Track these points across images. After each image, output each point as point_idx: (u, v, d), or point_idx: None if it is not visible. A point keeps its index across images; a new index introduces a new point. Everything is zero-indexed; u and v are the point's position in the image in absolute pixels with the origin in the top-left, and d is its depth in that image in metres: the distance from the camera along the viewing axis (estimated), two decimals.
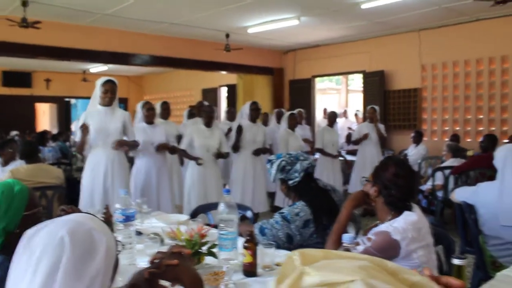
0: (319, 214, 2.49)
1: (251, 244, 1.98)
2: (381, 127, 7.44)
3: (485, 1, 5.74)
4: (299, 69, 11.35)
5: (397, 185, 2.08)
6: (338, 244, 2.11)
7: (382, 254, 1.95)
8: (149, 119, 5.16)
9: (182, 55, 9.72)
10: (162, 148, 5.10)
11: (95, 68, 13.30)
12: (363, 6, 6.92)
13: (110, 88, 4.29)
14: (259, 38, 9.55)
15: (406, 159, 7.89)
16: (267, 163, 2.67)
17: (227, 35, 9.05)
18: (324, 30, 8.88)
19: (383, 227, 2.05)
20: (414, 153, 7.95)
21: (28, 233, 1.09)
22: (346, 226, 2.22)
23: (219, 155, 5.32)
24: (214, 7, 7.15)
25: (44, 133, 9.35)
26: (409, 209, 2.12)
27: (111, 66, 12.48)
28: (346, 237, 1.54)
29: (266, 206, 6.05)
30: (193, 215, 3.18)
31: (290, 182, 2.57)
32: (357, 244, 2.02)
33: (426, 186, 6.27)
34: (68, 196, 4.55)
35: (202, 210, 3.27)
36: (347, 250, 1.54)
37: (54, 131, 13.40)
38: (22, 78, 13.91)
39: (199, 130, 5.37)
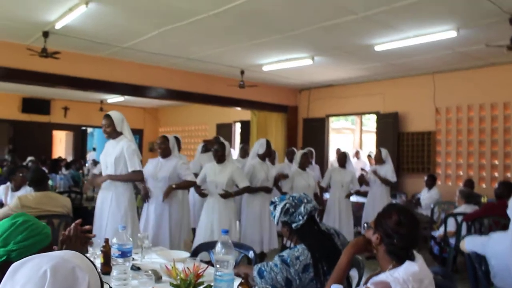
0: (318, 259, 2.43)
1: (245, 287, 1.93)
2: (388, 169, 7.34)
3: (498, 47, 5.74)
4: (314, 107, 11.39)
5: (400, 234, 2.02)
6: None
7: None
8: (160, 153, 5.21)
9: (197, 90, 9.85)
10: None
11: (112, 98, 13.53)
12: (377, 48, 6.97)
13: (105, 122, 4.44)
14: (274, 76, 9.64)
15: (419, 202, 7.80)
16: (270, 205, 2.63)
17: (242, 72, 9.16)
18: (338, 70, 8.95)
19: (383, 277, 1.99)
20: (427, 197, 7.82)
21: (15, 265, 1.12)
22: (346, 272, 2.16)
23: (225, 195, 5.21)
24: (229, 44, 7.27)
25: (58, 160, 9.43)
26: (412, 258, 2.06)
27: (127, 97, 12.67)
28: None
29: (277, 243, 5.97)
30: (195, 252, 3.14)
31: (294, 225, 2.53)
32: None
33: (439, 232, 6.13)
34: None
35: (204, 247, 3.23)
36: None
37: (69, 158, 13.54)
38: (41, 105, 14.19)
39: (211, 166, 5.40)
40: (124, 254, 2.08)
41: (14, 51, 7.44)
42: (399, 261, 2.04)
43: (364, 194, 7.93)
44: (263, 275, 2.37)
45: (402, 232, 2.02)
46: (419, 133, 9.26)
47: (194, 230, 5.88)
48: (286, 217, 2.53)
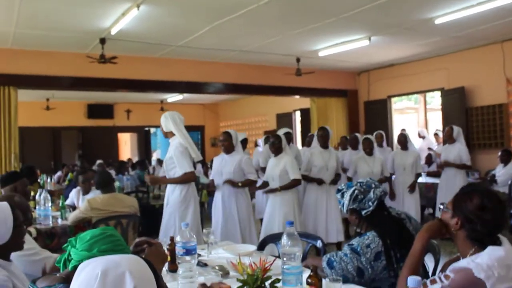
0: (390, 245, 2.30)
1: (315, 280, 1.85)
2: (462, 150, 6.92)
3: None
4: (374, 89, 11.04)
5: (484, 219, 1.83)
6: None
7: None
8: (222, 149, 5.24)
9: (253, 82, 9.82)
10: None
11: (172, 97, 13.80)
12: (437, 21, 6.60)
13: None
14: (331, 61, 9.42)
15: (494, 179, 7.37)
16: (337, 193, 2.52)
17: (298, 60, 9.02)
18: (397, 48, 8.60)
19: (463, 263, 1.81)
20: (503, 173, 7.37)
21: (82, 265, 1.22)
22: (421, 259, 2.00)
23: (271, 190, 5.19)
24: (282, 32, 7.15)
25: (123, 162, 9.74)
26: (497, 243, 1.87)
27: (186, 95, 12.88)
28: (412, 281, 1.36)
29: (341, 235, 5.81)
30: (261, 245, 3.08)
31: (363, 212, 2.41)
32: (433, 282, 1.81)
33: None
34: (145, 224, 4.63)
35: (270, 240, 3.17)
36: None
37: (135, 159, 13.98)
38: (104, 110, 14.74)
39: (270, 160, 5.43)
40: (189, 252, 2.06)
41: (76, 60, 7.75)
42: (481, 246, 1.86)
43: (435, 174, 7.58)
44: (333, 266, 2.28)
45: (487, 218, 1.83)
46: (489, 106, 8.72)
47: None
48: (355, 204, 2.42)
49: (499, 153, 7.54)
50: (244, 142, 6.43)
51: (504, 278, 1.73)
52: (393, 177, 7.02)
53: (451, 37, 7.85)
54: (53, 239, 4.36)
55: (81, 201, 5.27)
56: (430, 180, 7.90)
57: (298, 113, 13.39)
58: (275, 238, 3.21)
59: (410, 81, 10.18)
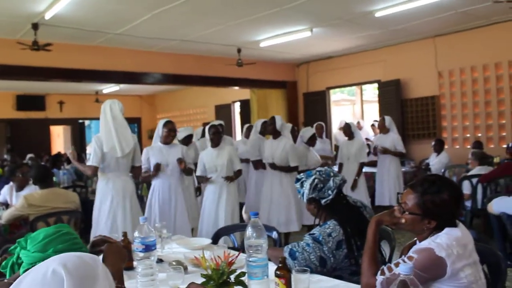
0: (351, 234, 2.30)
1: (284, 272, 1.80)
2: (395, 138, 7.17)
3: (504, 2, 5.55)
4: (313, 81, 11.20)
5: (447, 211, 1.90)
6: (374, 269, 1.92)
7: (427, 274, 1.78)
8: (169, 140, 4.98)
9: (193, 72, 9.65)
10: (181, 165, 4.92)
11: (108, 88, 13.31)
12: (377, 14, 6.76)
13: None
14: (272, 52, 9.43)
15: (428, 168, 7.69)
16: (296, 183, 2.49)
17: (239, 50, 8.95)
18: (337, 40, 8.74)
19: (425, 243, 1.86)
20: (436, 162, 7.71)
21: (18, 279, 0.98)
22: (376, 245, 2.03)
23: (228, 178, 5.11)
24: (224, 22, 7.05)
25: (58, 155, 9.28)
26: (453, 225, 1.94)
27: (123, 86, 12.48)
28: (403, 268, 1.35)
29: (296, 225, 5.81)
30: (215, 238, 3.01)
31: (323, 201, 2.39)
32: (398, 264, 1.83)
33: None
34: (84, 220, 4.40)
35: (224, 232, 3.10)
36: (405, 283, 1.34)
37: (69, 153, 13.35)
38: (35, 102, 13.98)
39: (207, 152, 5.27)
40: (148, 248, 1.95)
41: (4, 47, 7.22)
42: (438, 228, 1.92)
43: (372, 164, 7.80)
44: (296, 256, 2.24)
45: (452, 206, 1.90)
46: (422, 98, 9.10)
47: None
48: (315, 193, 2.39)
49: (433, 143, 7.87)
50: (189, 138, 6.25)
51: (462, 256, 1.81)
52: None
53: (388, 31, 8.09)
54: None
55: (14, 198, 4.94)
56: (368, 169, 8.11)
57: (237, 105, 13.34)
58: (229, 230, 3.15)
59: (348, 73, 10.40)
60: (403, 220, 1.94)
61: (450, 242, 1.82)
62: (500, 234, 3.38)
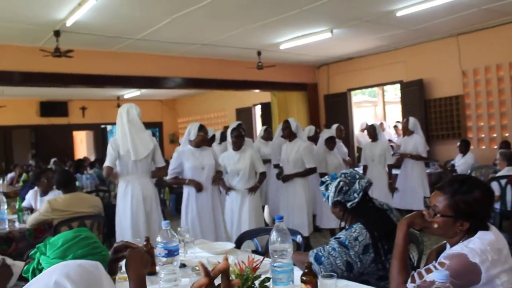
0: (378, 237, 2.23)
1: (311, 277, 1.75)
2: (418, 141, 6.99)
3: None
4: (334, 83, 11.10)
5: (481, 210, 1.83)
6: (405, 274, 1.85)
7: (460, 281, 1.70)
8: (202, 143, 4.88)
9: (214, 76, 9.65)
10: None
11: (129, 93, 13.43)
12: (398, 14, 6.65)
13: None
14: (291, 54, 9.38)
15: (454, 169, 7.53)
16: (321, 186, 2.43)
17: (259, 53, 8.92)
18: (357, 41, 8.64)
19: (457, 248, 1.78)
20: (461, 163, 7.55)
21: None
22: (406, 248, 1.95)
23: (252, 189, 5.12)
24: (244, 25, 7.02)
25: (81, 160, 9.38)
26: (486, 228, 1.86)
27: (144, 91, 12.57)
28: (439, 275, 1.28)
29: (308, 229, 5.74)
30: (238, 242, 2.97)
31: (349, 204, 2.33)
32: (429, 271, 1.76)
33: None
34: (107, 224, 4.41)
35: (248, 236, 3.05)
36: None
37: (92, 158, 13.53)
38: (58, 108, 14.21)
39: (228, 155, 5.23)
40: (171, 253, 1.91)
41: (28, 54, 7.34)
42: (471, 232, 1.84)
43: (395, 166, 7.66)
44: (321, 261, 2.18)
45: (485, 208, 1.83)
46: (446, 98, 8.91)
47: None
48: (340, 196, 2.33)
49: (458, 144, 7.71)
50: (212, 139, 6.26)
51: (497, 261, 1.73)
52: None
53: (410, 30, 7.96)
54: (10, 245, 4.09)
55: (39, 203, 4.99)
56: (394, 171, 7.97)
57: (258, 108, 13.32)
58: (252, 234, 3.11)
59: (369, 74, 10.28)
60: (435, 225, 1.86)
61: (484, 247, 1.74)
62: None
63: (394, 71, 9.73)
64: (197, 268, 2.24)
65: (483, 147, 8.51)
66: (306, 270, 1.77)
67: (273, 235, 1.86)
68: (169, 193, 9.48)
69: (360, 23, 7.24)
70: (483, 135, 8.53)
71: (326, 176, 2.45)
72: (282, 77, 10.56)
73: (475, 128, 8.62)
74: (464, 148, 7.60)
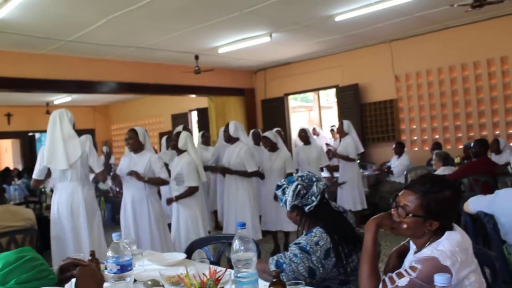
0: (338, 241, 2.18)
1: (279, 287, 1.65)
2: (348, 142, 7.15)
3: (462, 6, 5.65)
4: (271, 88, 11.14)
5: (451, 210, 1.81)
6: (376, 279, 1.79)
7: (431, 286, 1.65)
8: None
9: (149, 80, 9.36)
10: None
11: (59, 99, 12.78)
12: (337, 19, 6.75)
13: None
14: (230, 58, 9.29)
15: (390, 171, 7.75)
16: (277, 190, 2.34)
17: (197, 57, 8.75)
18: (296, 46, 8.70)
19: (427, 252, 1.75)
20: (397, 164, 7.80)
21: None
22: (375, 251, 1.90)
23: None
24: (183, 28, 6.84)
25: (7, 170, 8.76)
26: (451, 228, 1.85)
27: (75, 96, 12.02)
28: (440, 279, 1.22)
29: (256, 232, 5.68)
30: (188, 251, 2.82)
31: (307, 208, 2.25)
32: (400, 275, 1.71)
33: None
34: (40, 238, 4.10)
35: (198, 245, 2.91)
36: None
37: (19, 168, 12.73)
38: None
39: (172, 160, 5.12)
40: (124, 268, 1.74)
41: None
42: (438, 233, 1.82)
43: (334, 169, 7.78)
44: (283, 268, 2.09)
45: (454, 206, 1.82)
46: (381, 102, 9.19)
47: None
48: (297, 200, 2.25)
49: (394, 146, 7.97)
50: None
51: (465, 262, 1.73)
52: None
53: (346, 36, 8.12)
54: None
55: None
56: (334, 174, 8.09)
57: (194, 113, 13.11)
58: (202, 243, 2.97)
59: (306, 79, 10.40)
60: (404, 225, 1.82)
61: (453, 248, 1.72)
62: (473, 233, 3.37)
63: (330, 75, 9.90)
64: (149, 282, 2.08)
65: (416, 148, 8.84)
66: (274, 280, 1.67)
67: (236, 243, 1.74)
68: (104, 202, 9.06)
69: (299, 28, 7.28)
70: (415, 137, 8.87)
71: (282, 180, 2.37)
72: (219, 82, 10.45)
73: (408, 130, 8.94)
74: (399, 150, 7.87)
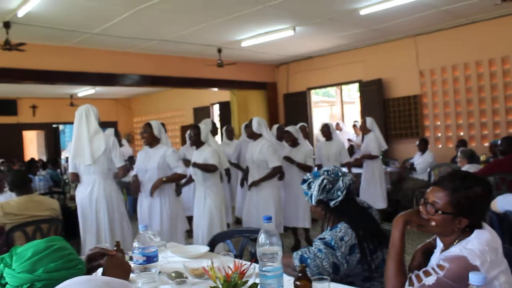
0: (363, 237, 2.15)
1: (305, 282, 1.63)
2: (371, 139, 7.03)
3: None
4: (293, 82, 11.09)
5: (481, 207, 1.77)
6: (403, 277, 1.76)
7: (459, 285, 1.62)
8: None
9: (173, 74, 9.42)
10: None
11: (83, 92, 12.94)
12: (362, 12, 6.67)
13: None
14: (252, 52, 9.27)
15: (413, 167, 7.64)
16: (303, 184, 2.31)
17: (219, 50, 8.76)
18: (319, 40, 8.63)
19: (455, 250, 1.70)
20: (421, 161, 7.68)
21: None
22: (403, 248, 1.85)
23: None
24: (206, 20, 6.85)
25: (33, 161, 8.92)
26: (480, 226, 1.80)
27: (98, 89, 12.14)
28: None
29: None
30: (211, 244, 2.82)
31: (332, 202, 2.22)
32: (427, 273, 1.68)
33: None
34: (64, 227, 4.16)
35: (220, 238, 2.91)
36: None
37: (44, 159, 12.95)
38: (7, 106, 13.52)
39: (194, 152, 5.12)
40: (150, 259, 1.74)
41: None
42: (468, 231, 1.78)
43: (356, 165, 7.70)
44: (307, 263, 2.07)
45: (484, 203, 1.77)
46: (404, 97, 9.06)
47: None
48: (323, 194, 2.22)
49: (417, 142, 7.84)
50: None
51: (495, 262, 1.67)
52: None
53: (371, 30, 8.02)
54: None
55: None
56: (353, 170, 8.01)
57: (216, 107, 13.14)
58: (225, 236, 2.97)
59: (328, 73, 10.32)
60: (433, 223, 1.78)
61: (482, 247, 1.67)
62: (502, 233, 3.29)
63: (353, 70, 9.80)
64: (173, 274, 2.08)
65: (440, 145, 8.70)
66: (300, 275, 1.65)
67: (262, 237, 1.73)
68: (126, 194, 9.14)
69: (323, 21, 7.22)
70: (439, 134, 8.73)
71: (308, 174, 2.34)
72: (241, 75, 10.44)
73: (432, 127, 8.80)
74: (423, 146, 7.74)
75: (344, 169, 7.51)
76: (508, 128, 7.85)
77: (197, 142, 5.00)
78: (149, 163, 4.71)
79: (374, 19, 7.19)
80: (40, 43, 7.41)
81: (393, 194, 7.51)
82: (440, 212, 1.75)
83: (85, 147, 4.38)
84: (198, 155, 4.96)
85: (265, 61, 10.62)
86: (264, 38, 7.95)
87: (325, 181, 2.21)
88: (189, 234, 5.67)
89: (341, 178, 2.25)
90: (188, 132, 5.31)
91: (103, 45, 7.94)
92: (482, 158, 6.41)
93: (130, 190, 4.94)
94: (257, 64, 10.83)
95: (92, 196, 4.44)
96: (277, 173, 5.56)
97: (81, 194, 4.51)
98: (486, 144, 7.86)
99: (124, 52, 8.56)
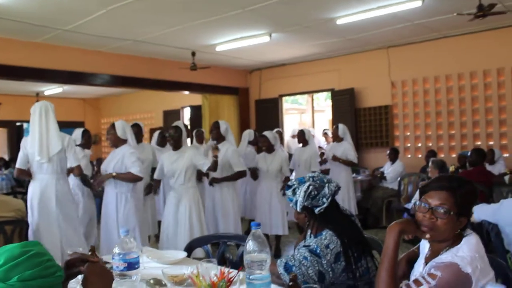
0: (348, 245, 2.11)
1: None
2: (348, 147, 7.06)
3: (466, 15, 5.64)
4: (265, 88, 11.08)
5: (475, 199, 1.82)
6: (395, 286, 1.73)
7: None
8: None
9: (144, 75, 9.24)
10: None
11: (49, 90, 12.57)
12: (339, 22, 6.72)
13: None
14: (226, 57, 9.20)
15: (383, 176, 7.73)
16: (287, 190, 2.26)
17: (193, 53, 8.65)
18: (294, 47, 8.65)
19: (447, 257, 1.68)
20: (391, 170, 7.77)
21: None
22: (396, 257, 1.81)
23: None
24: (182, 23, 6.75)
25: None
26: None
27: (66, 88, 11.83)
28: None
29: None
30: (188, 249, 2.73)
31: (317, 209, 2.17)
32: (418, 283, 1.65)
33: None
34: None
35: (198, 243, 2.83)
36: None
37: (6, 157, 12.50)
38: None
39: (168, 155, 4.96)
40: (131, 266, 1.65)
41: None
42: (457, 237, 1.77)
43: (326, 172, 7.72)
44: (292, 271, 2.02)
45: (475, 200, 1.81)
46: (376, 107, 9.19)
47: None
48: (308, 201, 2.18)
49: (388, 152, 7.94)
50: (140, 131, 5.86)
51: (484, 270, 1.67)
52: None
53: (346, 40, 8.09)
54: None
55: None
56: None
57: (187, 110, 13.00)
58: (202, 241, 2.89)
59: (301, 81, 10.36)
60: (427, 235, 1.76)
61: (473, 254, 1.66)
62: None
63: (326, 79, 9.87)
64: (151, 281, 1.99)
65: (409, 155, 8.84)
66: (291, 284, 1.59)
67: (250, 244, 1.67)
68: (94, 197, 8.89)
69: (300, 29, 7.23)
70: (409, 144, 8.87)
71: (293, 180, 2.29)
72: (214, 80, 10.36)
73: (402, 137, 8.94)
74: (394, 156, 7.84)
75: None
76: (475, 141, 8.05)
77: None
78: (110, 164, 4.64)
79: (350, 29, 7.25)
80: (7, 37, 7.14)
81: (363, 202, 7.58)
82: (452, 212, 1.72)
83: (41, 144, 4.28)
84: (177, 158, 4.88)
85: (238, 66, 10.57)
86: (239, 43, 7.91)
87: (310, 187, 2.17)
88: (157, 238, 5.54)
89: (327, 184, 2.21)
90: (168, 132, 5.13)
91: (74, 43, 7.72)
92: (451, 168, 6.53)
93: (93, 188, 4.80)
94: (230, 69, 10.78)
95: (42, 196, 4.31)
96: (240, 177, 5.52)
97: (32, 192, 4.39)
98: (454, 155, 8.05)
99: (96, 51, 8.35)
